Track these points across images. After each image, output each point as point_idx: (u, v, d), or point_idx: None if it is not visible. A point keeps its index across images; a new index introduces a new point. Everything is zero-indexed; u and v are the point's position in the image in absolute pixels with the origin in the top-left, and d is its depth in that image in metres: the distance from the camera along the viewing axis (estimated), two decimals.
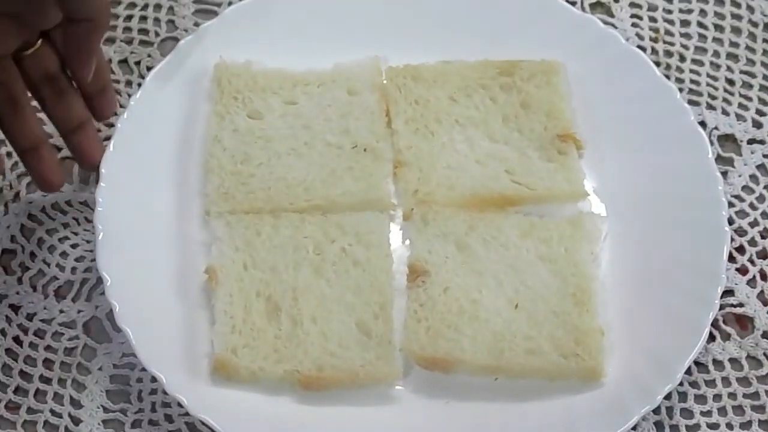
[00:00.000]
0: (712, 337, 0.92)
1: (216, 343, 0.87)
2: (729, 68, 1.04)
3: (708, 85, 1.03)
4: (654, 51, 1.04)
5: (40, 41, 0.88)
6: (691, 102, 1.01)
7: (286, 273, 0.90)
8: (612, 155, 0.96)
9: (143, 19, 1.05)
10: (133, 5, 1.05)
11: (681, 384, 0.89)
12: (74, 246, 0.95)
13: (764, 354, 0.92)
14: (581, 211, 0.94)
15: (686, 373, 0.87)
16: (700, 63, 1.04)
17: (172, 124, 0.96)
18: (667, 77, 1.01)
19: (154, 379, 0.87)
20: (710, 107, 1.02)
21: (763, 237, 0.97)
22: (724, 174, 0.98)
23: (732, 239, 0.94)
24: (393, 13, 1.01)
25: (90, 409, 0.89)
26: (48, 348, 0.91)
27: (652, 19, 1.06)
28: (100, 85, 0.92)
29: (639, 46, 1.03)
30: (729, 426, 0.89)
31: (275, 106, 0.97)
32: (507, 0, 1.01)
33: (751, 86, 1.03)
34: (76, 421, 0.89)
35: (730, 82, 1.03)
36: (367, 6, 1.01)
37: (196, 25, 1.03)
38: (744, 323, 0.93)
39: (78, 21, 0.84)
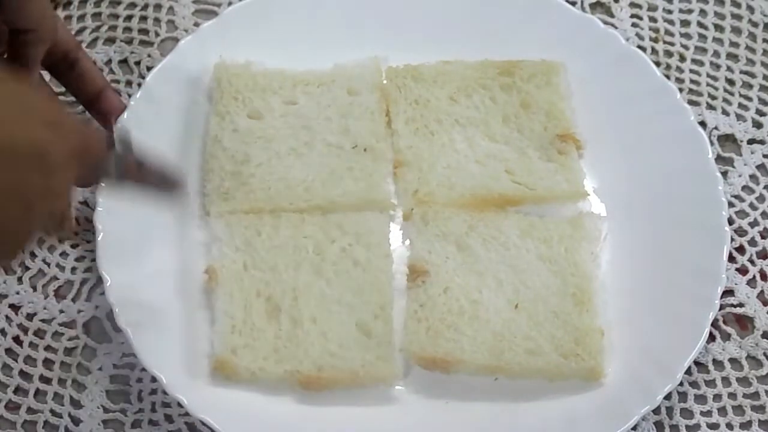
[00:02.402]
0: (712, 337, 0.92)
1: (216, 343, 0.87)
2: (729, 68, 1.04)
3: (708, 85, 1.03)
4: (654, 51, 1.04)
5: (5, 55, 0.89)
6: (691, 102, 1.01)
7: (286, 273, 0.90)
8: (612, 155, 0.96)
9: (143, 19, 1.05)
10: (133, 5, 1.05)
11: (681, 384, 0.89)
12: (74, 246, 0.95)
13: (764, 354, 0.92)
14: (581, 211, 0.94)
15: (686, 373, 0.87)
16: (700, 63, 1.04)
17: (172, 124, 0.96)
18: (667, 77, 1.01)
19: (154, 379, 0.87)
20: (710, 107, 1.02)
21: (763, 237, 0.97)
22: (724, 174, 0.98)
23: (732, 239, 0.94)
24: (393, 13, 1.01)
25: (90, 409, 0.89)
26: (48, 348, 0.91)
27: (652, 19, 1.06)
28: (94, 91, 0.93)
29: (639, 46, 1.03)
30: (729, 426, 0.89)
31: (275, 106, 0.97)
32: (507, 0, 1.01)
33: (751, 86, 1.03)
34: (76, 421, 0.89)
35: (730, 82, 1.03)
36: (367, 6, 1.01)
37: (196, 25, 1.03)
38: (744, 323, 0.93)
39: (19, 31, 0.85)
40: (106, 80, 0.95)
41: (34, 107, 0.69)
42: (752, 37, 1.05)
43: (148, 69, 1.00)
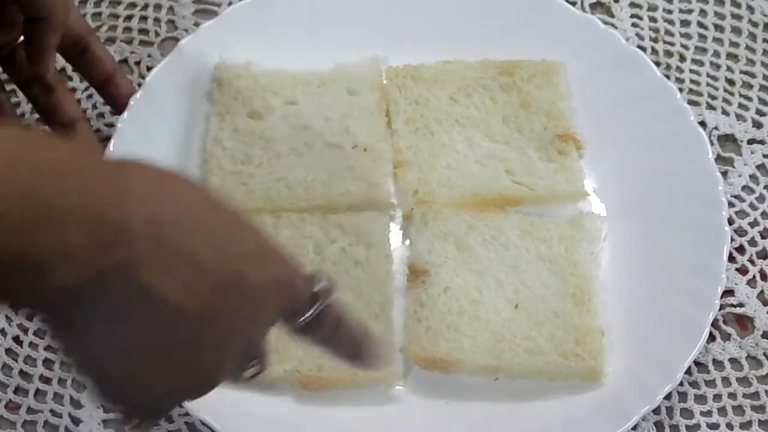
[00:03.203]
0: (712, 337, 0.92)
1: None
2: (729, 68, 1.04)
3: (708, 85, 1.03)
4: (654, 51, 1.04)
5: (21, 38, 0.90)
6: (691, 102, 1.01)
7: None
8: (612, 155, 0.96)
9: (143, 19, 1.05)
10: (133, 5, 1.05)
11: (681, 384, 0.89)
12: None
13: (764, 354, 0.92)
14: (581, 211, 0.94)
15: (686, 373, 0.87)
16: (700, 63, 1.04)
17: (172, 124, 0.96)
18: (667, 77, 1.01)
19: None
20: (710, 107, 1.02)
21: (763, 237, 0.97)
22: (724, 174, 0.98)
23: (732, 239, 0.94)
24: (393, 13, 1.01)
25: (90, 409, 0.89)
26: (48, 348, 0.91)
27: (652, 19, 1.06)
28: (104, 76, 0.94)
29: (639, 46, 1.03)
30: (729, 426, 0.89)
31: (275, 106, 0.96)
32: (507, 0, 1.01)
33: (751, 86, 1.03)
34: (76, 421, 0.89)
35: (730, 82, 1.03)
36: (367, 6, 1.01)
37: (196, 25, 1.03)
38: (744, 323, 0.93)
39: (34, 20, 0.86)
40: (116, 65, 0.96)
41: (247, 235, 0.64)
42: (752, 37, 1.05)
43: (148, 69, 1.00)
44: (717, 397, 0.90)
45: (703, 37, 1.05)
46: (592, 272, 0.90)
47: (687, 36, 1.05)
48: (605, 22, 1.02)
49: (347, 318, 0.70)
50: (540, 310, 0.88)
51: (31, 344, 0.91)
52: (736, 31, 1.06)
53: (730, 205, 0.96)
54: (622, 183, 0.95)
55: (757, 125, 1.01)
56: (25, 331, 0.92)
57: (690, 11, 1.07)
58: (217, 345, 0.63)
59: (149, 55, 1.03)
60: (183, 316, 0.60)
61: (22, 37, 0.90)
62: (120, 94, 0.95)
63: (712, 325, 0.88)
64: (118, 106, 0.95)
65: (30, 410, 0.89)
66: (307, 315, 0.67)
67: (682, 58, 1.04)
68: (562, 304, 0.89)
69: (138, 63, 1.03)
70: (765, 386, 0.91)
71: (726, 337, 0.93)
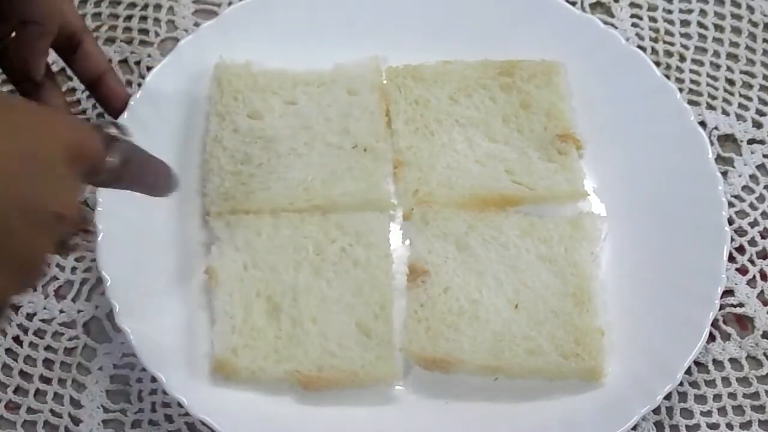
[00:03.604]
0: (712, 337, 0.92)
1: (216, 343, 0.87)
2: (729, 68, 1.04)
3: (708, 85, 1.03)
4: (654, 51, 1.04)
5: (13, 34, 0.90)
6: (691, 102, 1.01)
7: (286, 273, 0.90)
8: (612, 155, 0.96)
9: (143, 19, 1.05)
10: (133, 5, 1.05)
11: (681, 384, 0.90)
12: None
13: (764, 354, 0.92)
14: (581, 211, 0.94)
15: (686, 373, 0.87)
16: (700, 63, 1.04)
17: (172, 124, 0.96)
18: (667, 77, 1.01)
19: (154, 379, 0.87)
20: (710, 107, 1.02)
21: (763, 237, 0.97)
22: (724, 174, 0.98)
23: (732, 239, 0.94)
24: (393, 13, 1.01)
25: (90, 409, 0.89)
26: (48, 348, 0.91)
27: (652, 19, 1.06)
28: (96, 74, 0.94)
29: (639, 46, 1.03)
30: (729, 426, 0.89)
31: (275, 106, 0.97)
32: (507, 0, 1.01)
33: (751, 86, 1.03)
34: (76, 421, 0.89)
35: (730, 82, 1.03)
36: (367, 6, 1.01)
37: (196, 25, 1.03)
38: (744, 323, 0.93)
39: (27, 23, 0.87)
40: (108, 65, 0.96)
41: (21, 114, 0.68)
42: (752, 37, 1.05)
43: (148, 69, 1.00)
44: (717, 397, 0.90)
45: (703, 37, 1.05)
46: (592, 272, 0.91)
47: (687, 36, 1.06)
48: (605, 22, 1.02)
49: (145, 159, 0.77)
50: (540, 310, 0.89)
51: (31, 344, 0.91)
52: (736, 31, 1.06)
53: (730, 205, 0.96)
54: (622, 183, 0.95)
55: (757, 125, 1.02)
56: (25, 331, 0.92)
57: (690, 11, 1.07)
58: (27, 223, 0.66)
59: (149, 55, 1.03)
60: None
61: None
62: (111, 94, 0.94)
63: (712, 325, 0.88)
64: (111, 107, 0.94)
65: (30, 410, 0.89)
66: (111, 173, 0.73)
67: (682, 58, 1.04)
68: (562, 304, 0.89)
69: (138, 63, 1.03)
70: (765, 386, 0.91)
71: (726, 337, 0.93)
